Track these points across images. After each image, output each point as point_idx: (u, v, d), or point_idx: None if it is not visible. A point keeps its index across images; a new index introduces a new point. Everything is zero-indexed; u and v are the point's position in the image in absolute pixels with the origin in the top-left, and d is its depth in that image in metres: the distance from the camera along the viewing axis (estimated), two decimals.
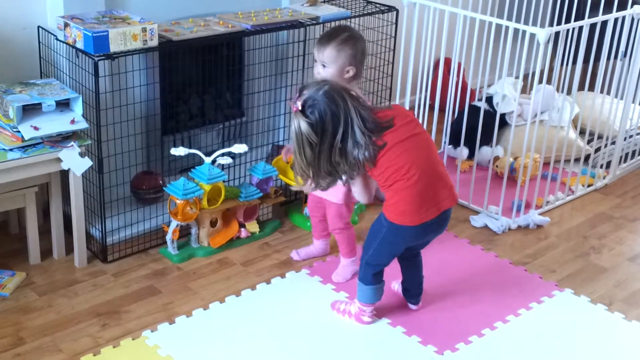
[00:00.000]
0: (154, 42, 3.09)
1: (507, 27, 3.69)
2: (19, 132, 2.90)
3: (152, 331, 2.86)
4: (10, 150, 2.90)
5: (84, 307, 2.96)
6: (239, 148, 3.35)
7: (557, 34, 3.56)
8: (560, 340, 2.96)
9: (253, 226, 3.50)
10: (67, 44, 3.07)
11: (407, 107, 4.11)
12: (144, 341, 2.80)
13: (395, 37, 4.00)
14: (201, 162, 3.34)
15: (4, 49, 3.21)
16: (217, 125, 3.75)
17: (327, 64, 2.96)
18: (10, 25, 3.20)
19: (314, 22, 3.62)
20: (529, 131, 3.67)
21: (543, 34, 3.41)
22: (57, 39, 3.13)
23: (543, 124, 4.07)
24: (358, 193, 2.77)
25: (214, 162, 3.33)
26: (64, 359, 2.69)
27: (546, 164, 4.06)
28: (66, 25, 3.04)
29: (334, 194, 3.06)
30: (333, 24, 3.61)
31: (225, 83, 3.77)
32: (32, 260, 3.19)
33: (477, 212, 3.85)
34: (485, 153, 4.06)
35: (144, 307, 2.99)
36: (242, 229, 3.46)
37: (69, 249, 3.23)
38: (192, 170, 3.36)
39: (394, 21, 3.96)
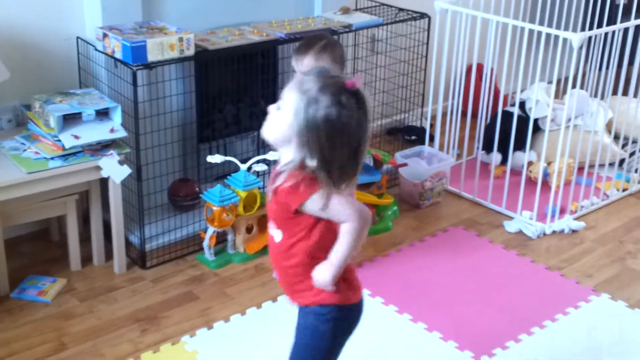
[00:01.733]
0: (191, 52, 3.14)
1: (539, 32, 3.69)
2: (59, 141, 2.96)
3: (190, 336, 2.89)
4: (52, 158, 2.96)
5: (124, 313, 3.01)
6: (274, 155, 3.38)
7: (589, 38, 3.55)
8: (598, 345, 2.94)
9: None
10: (105, 54, 3.13)
11: (439, 114, 4.13)
12: (183, 346, 2.84)
13: (427, 44, 4.01)
14: (237, 169, 3.38)
15: (45, 60, 3.28)
16: (252, 133, 3.79)
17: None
18: (50, 37, 3.27)
19: (347, 30, 3.65)
20: (563, 136, 3.67)
21: (577, 38, 3.41)
22: (96, 50, 3.19)
23: (577, 129, 4.06)
24: (352, 211, 1.94)
25: (249, 169, 3.37)
26: None
27: (580, 168, 4.05)
28: (105, 35, 3.09)
29: None
30: (361, 32, 3.61)
31: (260, 91, 3.81)
32: (73, 266, 3.25)
33: (510, 218, 3.84)
34: (518, 158, 4.06)
35: (182, 313, 3.03)
36: None
37: (109, 255, 3.29)
38: (228, 177, 3.40)
39: (426, 28, 3.98)
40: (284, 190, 1.90)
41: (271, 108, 1.95)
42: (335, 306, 2.05)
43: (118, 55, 3.05)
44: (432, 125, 4.42)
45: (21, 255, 3.32)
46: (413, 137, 4.51)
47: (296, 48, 2.99)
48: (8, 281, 3.07)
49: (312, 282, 2.02)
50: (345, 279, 2.06)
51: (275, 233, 2.04)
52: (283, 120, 1.90)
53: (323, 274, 2.00)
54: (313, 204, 1.90)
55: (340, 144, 1.87)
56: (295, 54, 2.96)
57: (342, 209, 1.91)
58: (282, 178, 1.91)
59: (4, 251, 3.03)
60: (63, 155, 2.98)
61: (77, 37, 3.29)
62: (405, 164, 3.92)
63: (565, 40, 3.50)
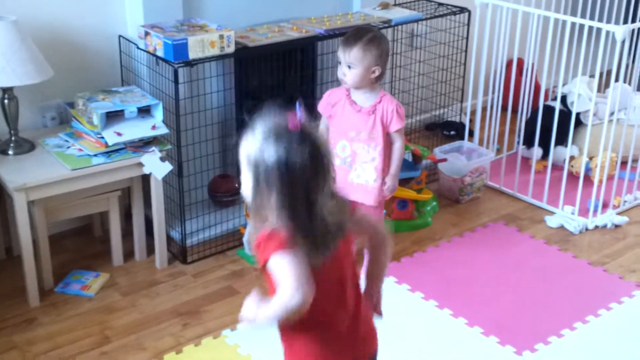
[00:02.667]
0: (231, 49, 3.16)
1: (581, 25, 3.65)
2: (102, 138, 3.01)
3: (231, 330, 2.92)
4: (95, 155, 3.01)
5: (166, 307, 3.05)
6: None
7: (632, 31, 3.50)
8: None
9: None
10: (147, 52, 3.17)
11: (479, 108, 4.10)
12: (224, 340, 2.87)
13: (467, 39, 3.99)
14: None
15: (88, 58, 3.33)
16: None
17: (353, 65, 2.95)
18: (92, 35, 3.32)
19: (387, 25, 3.64)
20: (605, 130, 3.62)
21: (620, 31, 3.36)
22: (137, 48, 3.23)
23: (620, 123, 4.00)
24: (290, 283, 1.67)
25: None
26: (148, 357, 2.77)
27: (623, 163, 3.99)
28: (147, 34, 3.13)
29: (367, 196, 3.05)
30: (400, 27, 3.60)
31: (299, 87, 3.83)
32: (115, 261, 3.30)
33: (552, 213, 3.80)
34: (560, 153, 4.01)
35: (223, 307, 3.06)
36: None
37: (150, 250, 3.33)
38: None
39: (466, 22, 3.95)
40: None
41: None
42: None
43: (160, 53, 3.08)
44: (471, 120, 4.39)
45: (65, 250, 3.38)
46: (452, 132, 4.49)
47: (343, 39, 3.01)
48: (52, 276, 3.12)
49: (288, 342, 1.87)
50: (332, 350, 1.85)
51: None
52: (245, 179, 1.76)
53: (249, 311, 1.75)
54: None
55: (289, 188, 1.68)
56: (343, 45, 2.98)
57: (281, 273, 1.67)
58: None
59: (49, 246, 3.08)
60: (106, 152, 3.02)
61: (119, 36, 3.34)
62: (444, 159, 3.90)
63: (608, 33, 3.45)
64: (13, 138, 3.07)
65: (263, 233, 1.71)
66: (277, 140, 1.69)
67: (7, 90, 3.00)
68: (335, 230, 1.76)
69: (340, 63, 2.99)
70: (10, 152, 3.04)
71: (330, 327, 1.83)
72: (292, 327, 1.78)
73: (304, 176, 1.70)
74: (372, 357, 1.98)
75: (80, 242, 3.47)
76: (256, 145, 1.71)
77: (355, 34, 2.97)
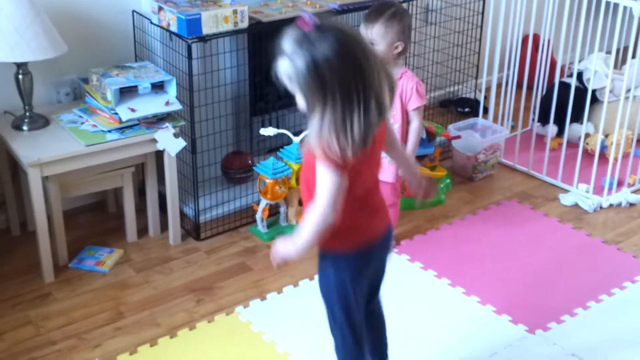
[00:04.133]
0: (244, 24, 3.14)
1: (598, 1, 3.60)
2: (116, 114, 3.00)
3: (244, 307, 2.93)
4: (109, 131, 3.01)
5: (180, 283, 3.06)
6: (267, 131, 3.36)
7: None
8: None
9: None
10: (161, 27, 3.15)
11: (494, 85, 4.07)
12: (237, 317, 2.88)
13: (482, 14, 3.95)
14: (289, 142, 3.39)
15: (101, 33, 3.32)
16: None
17: (376, 42, 2.93)
18: (106, 10, 3.31)
19: (401, 0, 3.60)
20: (622, 107, 3.58)
21: (638, 6, 3.31)
22: (151, 23, 3.22)
23: (636, 100, 3.96)
24: (324, 197, 1.91)
25: (302, 141, 3.37)
26: (162, 333, 2.79)
27: (639, 140, 3.95)
28: (160, 9, 3.11)
29: (388, 173, 3.06)
30: (414, 2, 3.55)
31: None
32: (129, 237, 3.31)
33: (566, 191, 3.78)
34: (575, 130, 3.98)
35: (236, 284, 3.07)
36: None
37: (164, 227, 3.34)
38: (280, 150, 3.41)
39: None
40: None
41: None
42: (338, 254, 2.08)
43: (173, 28, 3.07)
44: (486, 97, 4.36)
45: (79, 226, 3.40)
46: (466, 109, 4.46)
47: (365, 15, 3.00)
48: (67, 251, 3.14)
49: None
50: (350, 226, 2.02)
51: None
52: (298, 99, 1.87)
53: (286, 248, 2.01)
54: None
55: (332, 81, 1.78)
56: (365, 21, 2.96)
57: (320, 185, 1.89)
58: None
59: (63, 222, 3.10)
60: (120, 128, 3.02)
61: (133, 11, 3.32)
62: (458, 136, 3.88)
63: (625, 8, 3.41)
64: (27, 114, 3.07)
65: (323, 144, 1.81)
66: (299, 47, 1.79)
67: (22, 66, 3.00)
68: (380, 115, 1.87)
69: None
70: (24, 127, 3.05)
71: (366, 199, 2.05)
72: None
73: (341, 69, 1.78)
74: (389, 225, 2.18)
75: (94, 218, 3.49)
76: (287, 62, 1.81)
77: (377, 10, 2.95)
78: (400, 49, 2.95)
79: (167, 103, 3.08)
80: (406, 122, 3.02)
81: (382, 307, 2.36)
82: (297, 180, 3.35)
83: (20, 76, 3.01)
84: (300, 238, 1.97)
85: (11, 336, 2.76)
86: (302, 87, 1.82)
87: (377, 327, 2.38)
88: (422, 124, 3.42)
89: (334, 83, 1.79)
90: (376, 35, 2.91)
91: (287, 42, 1.83)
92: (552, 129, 4.04)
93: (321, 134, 1.82)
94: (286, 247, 2.01)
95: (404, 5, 3.75)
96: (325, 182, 1.88)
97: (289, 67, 1.82)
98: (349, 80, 1.80)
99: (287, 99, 3.78)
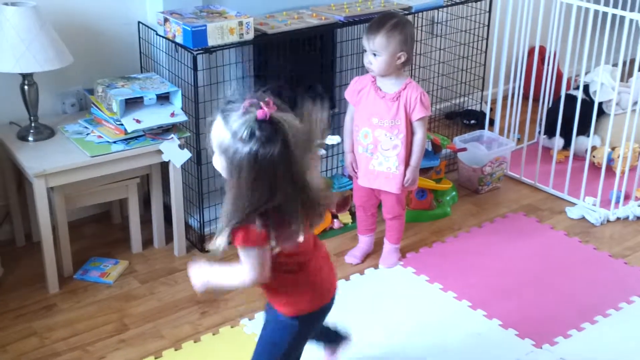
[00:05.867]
0: (250, 36, 3.14)
1: (605, 13, 3.59)
2: (122, 124, 3.00)
3: (249, 319, 2.91)
4: (114, 142, 3.01)
5: (184, 295, 3.04)
6: (332, 139, 3.37)
7: None
8: None
9: (345, 217, 3.52)
10: (166, 38, 3.15)
11: (500, 97, 4.06)
12: (242, 329, 2.86)
13: (488, 26, 3.95)
14: None
15: (107, 44, 3.33)
16: None
17: (378, 53, 2.93)
18: (112, 22, 3.31)
19: (407, 12, 3.60)
20: (628, 120, 3.57)
21: None
22: (157, 34, 3.22)
23: None
24: (251, 269, 1.95)
25: None
26: (166, 345, 2.78)
27: None
28: (166, 20, 3.12)
29: (392, 184, 3.06)
30: (420, 15, 3.55)
31: (318, 75, 3.80)
32: (134, 249, 3.30)
33: (573, 204, 3.77)
34: (581, 143, 3.97)
35: (241, 296, 3.04)
36: (335, 220, 3.49)
37: (169, 238, 3.33)
38: None
39: (487, 9, 3.91)
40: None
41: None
42: (295, 317, 2.13)
43: (179, 39, 3.07)
44: (492, 109, 4.35)
45: (84, 237, 3.39)
46: (472, 122, 4.45)
47: (368, 26, 2.99)
48: (72, 262, 3.13)
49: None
50: (313, 288, 2.13)
51: None
52: (217, 162, 1.89)
53: (201, 276, 2.07)
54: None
55: (260, 180, 1.79)
56: (367, 32, 2.96)
57: (246, 260, 1.94)
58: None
59: (68, 233, 3.09)
60: (125, 139, 3.02)
61: (139, 22, 3.33)
62: (464, 149, 3.87)
63: (631, 21, 3.40)
64: (33, 124, 3.07)
65: (240, 227, 1.85)
66: (248, 135, 1.76)
67: (27, 76, 3.00)
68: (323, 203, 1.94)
69: (365, 51, 2.97)
70: (30, 138, 3.05)
71: (309, 264, 2.09)
72: (279, 272, 2.02)
73: (279, 165, 1.78)
74: (334, 292, 2.23)
75: (99, 229, 3.48)
76: (228, 136, 1.79)
77: (379, 21, 2.95)
78: (403, 59, 2.94)
79: (173, 114, 3.07)
80: (410, 133, 3.01)
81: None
82: None
83: (25, 87, 3.01)
84: (219, 277, 2.05)
85: (15, 347, 2.75)
86: (232, 165, 1.80)
87: (325, 334, 2.48)
88: (427, 135, 3.42)
89: (266, 174, 1.79)
90: (378, 46, 2.91)
91: (236, 119, 1.79)
92: (558, 141, 4.03)
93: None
94: (207, 275, 2.06)
95: (409, 17, 3.75)
96: (249, 257, 1.94)
97: (228, 140, 1.79)
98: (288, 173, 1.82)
99: (292, 111, 3.79)
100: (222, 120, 1.82)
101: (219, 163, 1.88)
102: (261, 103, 1.79)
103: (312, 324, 2.21)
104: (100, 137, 3.04)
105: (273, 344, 2.19)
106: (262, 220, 1.84)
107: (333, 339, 2.53)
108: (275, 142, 1.77)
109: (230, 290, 2.05)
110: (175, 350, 2.75)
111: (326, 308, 2.20)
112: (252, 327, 2.87)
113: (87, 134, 3.07)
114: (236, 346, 2.78)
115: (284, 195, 1.82)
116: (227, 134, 1.79)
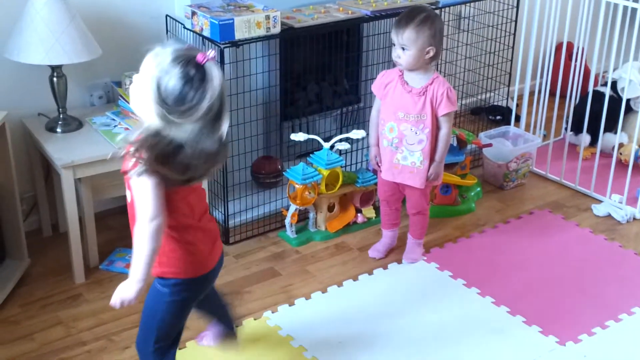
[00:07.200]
0: (277, 30, 3.15)
1: (634, 9, 3.56)
2: None
3: (272, 312, 2.93)
4: None
5: None
6: (357, 134, 3.38)
7: None
8: None
9: (369, 212, 3.53)
10: (194, 32, 3.17)
11: (526, 93, 4.04)
12: (265, 321, 2.88)
13: (515, 21, 3.92)
14: (319, 147, 3.39)
15: (135, 37, 3.35)
16: (335, 111, 3.79)
17: (407, 47, 2.92)
18: (140, 15, 3.33)
19: (433, 7, 3.59)
20: None
21: None
22: (184, 27, 3.23)
23: None
24: (147, 207, 2.04)
25: (332, 147, 3.37)
26: (190, 336, 2.79)
27: None
28: (193, 13, 3.13)
29: (416, 179, 3.05)
30: (447, 9, 3.54)
31: (344, 69, 3.80)
32: None
33: (599, 201, 3.74)
34: (608, 140, 3.94)
35: (264, 289, 3.07)
36: (359, 214, 3.50)
37: None
38: (310, 155, 3.41)
39: (515, 5, 3.88)
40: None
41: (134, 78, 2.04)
42: (176, 280, 2.17)
43: (206, 33, 3.08)
44: (518, 105, 4.32)
45: (110, 228, 3.42)
46: (498, 117, 4.42)
47: (396, 20, 2.98)
48: (97, 253, 3.16)
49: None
50: (192, 253, 2.15)
51: (127, 193, 2.15)
52: (140, 89, 1.98)
53: (127, 291, 2.09)
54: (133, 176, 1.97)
55: (181, 117, 1.91)
56: (395, 27, 2.95)
57: (140, 197, 2.01)
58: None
59: (94, 224, 3.12)
60: None
61: (166, 15, 3.34)
62: (489, 144, 3.85)
63: None
64: (61, 116, 3.10)
65: (134, 142, 1.92)
66: (182, 68, 1.91)
67: (56, 68, 3.03)
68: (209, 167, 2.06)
69: (394, 45, 2.96)
70: (58, 129, 3.08)
71: (193, 229, 2.15)
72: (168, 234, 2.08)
73: (194, 109, 1.91)
74: (221, 255, 2.30)
75: (125, 220, 3.45)
76: (161, 64, 1.93)
77: (408, 15, 2.94)
78: (431, 53, 2.93)
79: None
80: (436, 128, 3.01)
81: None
82: (327, 186, 3.35)
83: (54, 79, 3.04)
84: (136, 266, 2.06)
85: (41, 336, 2.78)
86: (153, 94, 1.93)
87: (210, 303, 2.50)
88: (453, 131, 3.41)
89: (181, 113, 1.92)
90: (407, 41, 2.90)
91: (176, 52, 1.95)
92: (585, 138, 4.00)
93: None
94: (123, 288, 2.08)
95: (437, 12, 3.74)
96: (142, 191, 2.00)
97: (158, 68, 1.94)
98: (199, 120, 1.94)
99: (318, 105, 3.81)
100: (161, 49, 1.98)
101: (138, 85, 2.00)
102: (207, 53, 1.94)
103: (186, 293, 2.22)
104: (127, 129, 3.06)
105: (152, 314, 2.26)
106: (163, 156, 1.93)
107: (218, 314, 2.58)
108: (201, 88, 1.91)
109: (153, 257, 2.07)
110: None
111: (202, 280, 2.22)
112: (275, 320, 2.88)
113: (115, 126, 3.10)
114: (259, 338, 2.80)
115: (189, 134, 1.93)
116: (168, 58, 1.93)
